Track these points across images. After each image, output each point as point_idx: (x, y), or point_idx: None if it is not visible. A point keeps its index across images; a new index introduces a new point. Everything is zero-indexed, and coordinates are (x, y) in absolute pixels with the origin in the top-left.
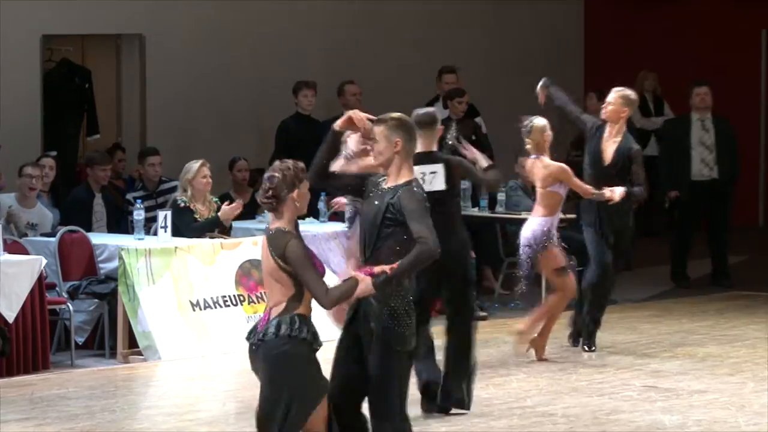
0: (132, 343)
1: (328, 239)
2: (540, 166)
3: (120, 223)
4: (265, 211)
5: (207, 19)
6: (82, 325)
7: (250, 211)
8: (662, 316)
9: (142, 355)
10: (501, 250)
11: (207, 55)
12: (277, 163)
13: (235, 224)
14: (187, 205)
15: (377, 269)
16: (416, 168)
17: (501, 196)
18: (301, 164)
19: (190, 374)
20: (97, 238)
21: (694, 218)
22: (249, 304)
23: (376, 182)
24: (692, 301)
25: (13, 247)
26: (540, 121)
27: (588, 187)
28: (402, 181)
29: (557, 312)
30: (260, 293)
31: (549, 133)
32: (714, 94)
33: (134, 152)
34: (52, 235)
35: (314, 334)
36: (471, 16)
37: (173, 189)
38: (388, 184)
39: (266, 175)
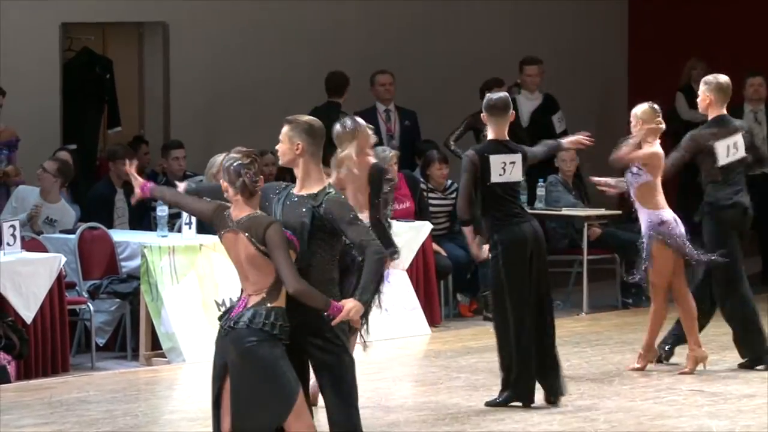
0: (155, 344)
1: None
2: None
3: (143, 220)
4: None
5: (233, 5)
6: (102, 325)
7: None
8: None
9: (165, 357)
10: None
11: (233, 43)
12: (240, 152)
13: None
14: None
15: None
16: (494, 157)
17: (540, 192)
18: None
19: None
20: (119, 235)
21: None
22: None
23: (276, 188)
24: None
25: (31, 245)
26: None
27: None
28: (318, 187)
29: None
30: None
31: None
32: None
33: (157, 145)
34: (71, 231)
35: (286, 331)
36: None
37: (200, 182)
38: (301, 191)
39: (238, 161)
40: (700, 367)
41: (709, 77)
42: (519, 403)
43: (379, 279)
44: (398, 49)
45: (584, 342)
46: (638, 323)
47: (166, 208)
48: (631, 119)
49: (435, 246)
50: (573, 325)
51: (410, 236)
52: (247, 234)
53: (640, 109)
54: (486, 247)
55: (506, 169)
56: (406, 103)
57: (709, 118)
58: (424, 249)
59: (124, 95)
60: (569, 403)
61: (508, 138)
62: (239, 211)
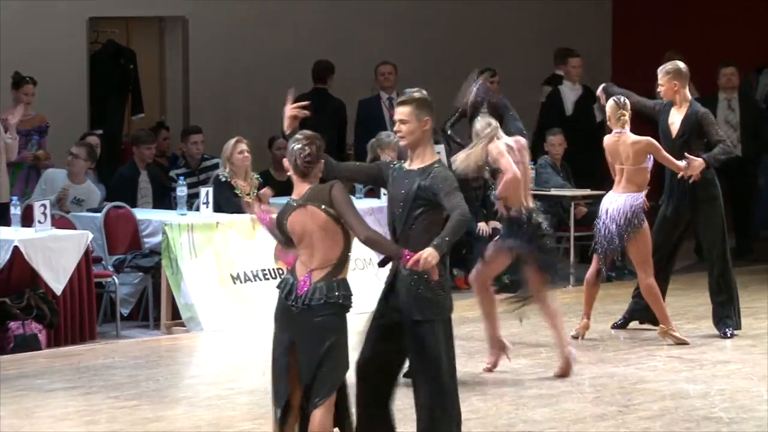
0: (175, 314)
1: (365, 215)
2: (627, 143)
3: (164, 199)
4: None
5: (248, 1)
6: (127, 297)
7: (288, 189)
8: (686, 289)
9: (184, 326)
10: None
11: (249, 37)
12: (301, 135)
13: (276, 200)
14: (228, 180)
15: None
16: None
17: (530, 173)
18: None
19: (231, 345)
20: (142, 214)
21: None
22: None
23: (391, 165)
24: None
25: (60, 222)
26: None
27: (677, 161)
28: (429, 161)
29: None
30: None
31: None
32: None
33: (177, 131)
34: (98, 210)
35: (352, 301)
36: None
37: (215, 166)
38: (414, 165)
39: (297, 145)
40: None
41: (668, 65)
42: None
43: (456, 237)
44: (399, 41)
45: (571, 312)
46: (621, 295)
47: (185, 188)
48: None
49: None
50: (561, 296)
51: None
52: (314, 203)
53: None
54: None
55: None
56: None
57: (687, 100)
58: None
59: (146, 84)
60: (556, 368)
61: None
62: (300, 189)
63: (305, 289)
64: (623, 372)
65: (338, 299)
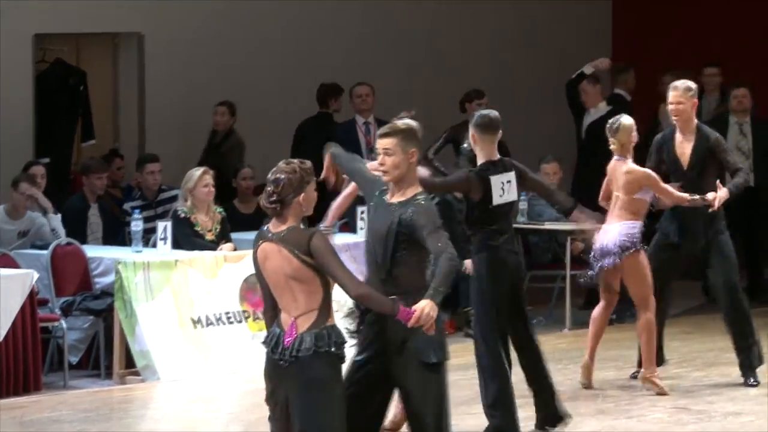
0: (129, 362)
1: (339, 251)
2: (623, 171)
3: (117, 235)
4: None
5: (211, 16)
6: (76, 343)
7: (255, 222)
8: (694, 332)
9: (139, 375)
10: (522, 263)
11: (211, 54)
12: (282, 164)
13: (239, 236)
14: (188, 216)
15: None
16: (493, 179)
17: (522, 206)
18: (309, 164)
19: (191, 396)
20: (93, 251)
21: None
22: (254, 320)
23: (378, 189)
24: None
25: (2, 261)
26: (627, 120)
27: (680, 193)
28: (411, 194)
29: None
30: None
31: (635, 134)
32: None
33: (132, 159)
34: (44, 247)
35: (344, 347)
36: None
37: (174, 198)
38: (395, 198)
39: (270, 176)
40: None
41: (678, 82)
42: None
43: (449, 285)
44: (378, 59)
45: (567, 359)
46: (623, 339)
47: (141, 222)
48: (630, 133)
49: None
50: (556, 341)
51: None
52: (288, 247)
53: (630, 120)
54: (468, 262)
55: (504, 188)
56: (385, 116)
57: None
58: None
59: (98, 107)
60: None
61: (499, 156)
62: (277, 225)
63: (292, 339)
64: (625, 425)
65: (330, 347)
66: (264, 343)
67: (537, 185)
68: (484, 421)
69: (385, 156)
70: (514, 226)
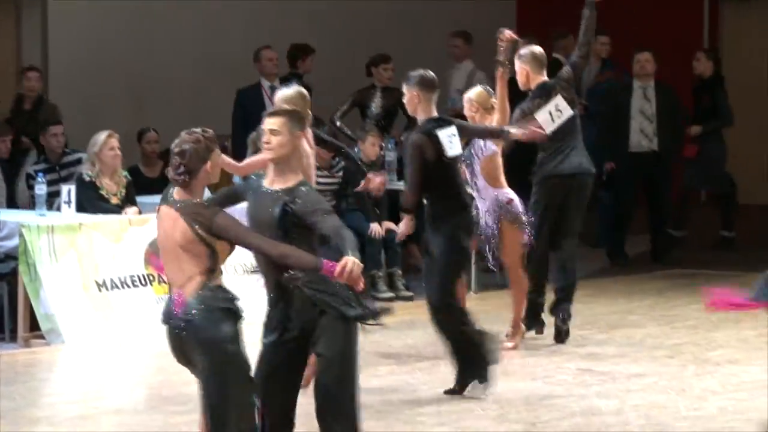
0: (34, 326)
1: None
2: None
3: (21, 198)
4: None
5: None
6: None
7: (160, 185)
8: (598, 295)
9: (44, 338)
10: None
11: (116, 15)
12: (184, 135)
13: (144, 199)
14: (93, 180)
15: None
16: (441, 133)
17: None
18: (211, 132)
19: (96, 359)
20: None
21: (631, 192)
22: (159, 284)
23: (250, 182)
24: (630, 280)
25: None
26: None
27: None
28: (293, 182)
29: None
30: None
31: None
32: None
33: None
34: None
35: (238, 305)
36: None
37: (78, 161)
38: (276, 185)
39: (175, 148)
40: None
41: (523, 50)
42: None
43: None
44: (284, 25)
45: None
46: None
47: (44, 186)
48: (465, 103)
49: None
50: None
51: None
52: (187, 219)
53: (474, 92)
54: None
55: (453, 142)
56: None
57: (533, 87)
58: None
59: (0, 71)
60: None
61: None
62: (178, 194)
63: (181, 305)
64: (529, 387)
65: (218, 303)
66: (161, 320)
67: (472, 130)
68: (395, 380)
69: (271, 135)
70: None
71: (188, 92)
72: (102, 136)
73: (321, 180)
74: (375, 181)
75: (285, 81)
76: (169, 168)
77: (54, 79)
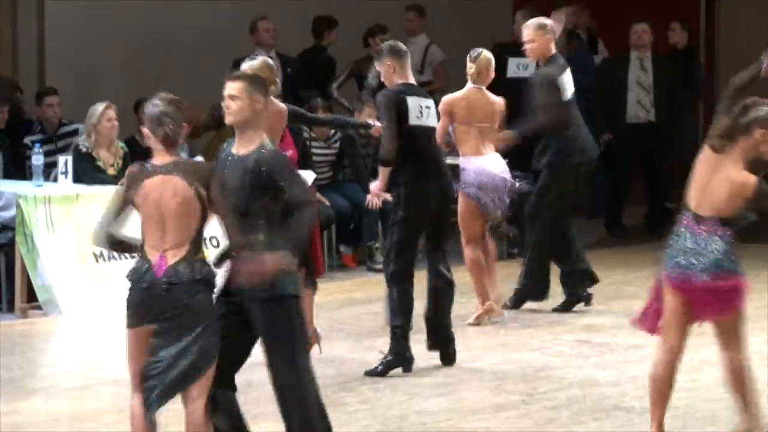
0: (31, 296)
1: None
2: (490, 100)
3: (18, 169)
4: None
5: None
6: None
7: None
8: (595, 266)
9: (41, 309)
10: (446, 192)
11: None
12: (158, 100)
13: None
14: (90, 151)
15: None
16: (413, 99)
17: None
18: (178, 97)
19: (93, 330)
20: None
21: (629, 164)
22: None
23: (220, 152)
24: (627, 251)
25: None
26: (489, 54)
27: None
28: (257, 143)
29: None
30: None
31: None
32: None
33: (32, 93)
34: None
35: (217, 280)
36: None
37: (75, 132)
38: (241, 149)
39: (156, 111)
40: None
41: (531, 21)
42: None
43: (306, 236)
44: None
45: (470, 292)
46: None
47: (41, 156)
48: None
49: (318, 196)
50: (461, 275)
51: None
52: (186, 177)
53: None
54: (369, 196)
55: (423, 112)
56: (287, 51)
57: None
58: None
59: None
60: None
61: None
62: (163, 158)
63: (163, 270)
64: (526, 358)
65: (203, 275)
66: (128, 277)
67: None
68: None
69: (230, 100)
70: None
71: (186, 63)
72: (99, 107)
73: (318, 151)
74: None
75: (308, 53)
76: (158, 130)
77: (50, 48)
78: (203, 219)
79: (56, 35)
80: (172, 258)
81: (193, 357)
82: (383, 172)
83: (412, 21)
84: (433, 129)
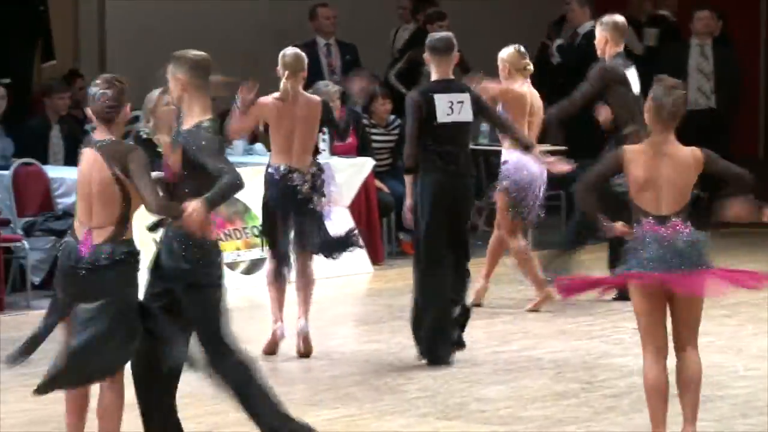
0: None
1: None
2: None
3: (79, 156)
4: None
5: None
6: (38, 264)
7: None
8: None
9: None
10: (483, 185)
11: None
12: (100, 81)
13: None
14: (150, 137)
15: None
16: (442, 96)
17: (484, 127)
18: (124, 79)
19: None
20: (54, 172)
21: None
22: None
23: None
24: None
25: None
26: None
27: None
28: (196, 120)
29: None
30: (228, 230)
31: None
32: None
33: (93, 79)
34: (5, 167)
35: (140, 258)
36: None
37: (135, 119)
38: (185, 125)
39: (97, 90)
40: None
41: (605, 18)
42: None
43: (228, 197)
44: None
45: (515, 282)
46: (589, 260)
47: None
48: (499, 63)
49: (377, 183)
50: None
51: (352, 173)
52: (105, 157)
53: (506, 52)
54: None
55: (454, 108)
56: (346, 37)
57: (608, 57)
58: (366, 186)
59: (58, 27)
60: (514, 342)
61: (453, 77)
62: (101, 135)
63: (87, 251)
64: (586, 346)
65: (124, 256)
66: (58, 252)
67: (494, 118)
68: (488, 334)
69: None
70: (475, 147)
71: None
72: (156, 92)
73: (377, 138)
74: None
75: (415, 35)
76: (96, 106)
77: (111, 35)
78: (126, 201)
79: (117, 20)
80: (98, 237)
81: (103, 353)
82: (408, 183)
83: (405, 8)
84: (466, 123)
